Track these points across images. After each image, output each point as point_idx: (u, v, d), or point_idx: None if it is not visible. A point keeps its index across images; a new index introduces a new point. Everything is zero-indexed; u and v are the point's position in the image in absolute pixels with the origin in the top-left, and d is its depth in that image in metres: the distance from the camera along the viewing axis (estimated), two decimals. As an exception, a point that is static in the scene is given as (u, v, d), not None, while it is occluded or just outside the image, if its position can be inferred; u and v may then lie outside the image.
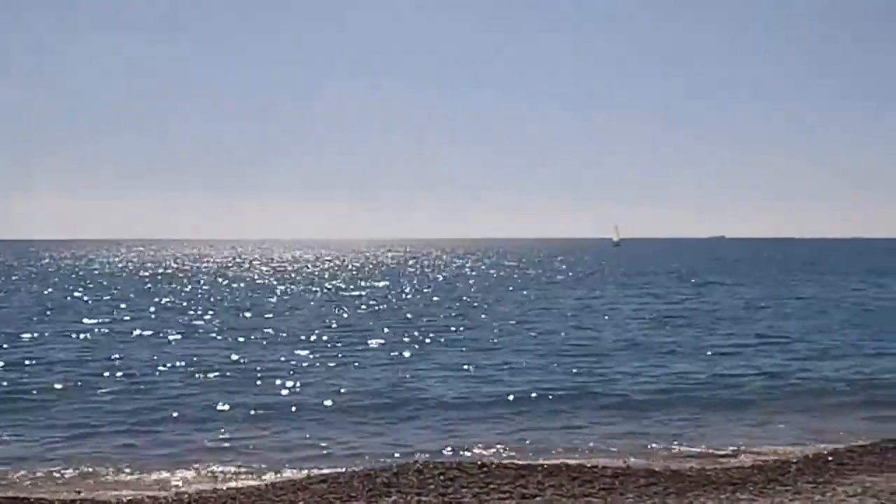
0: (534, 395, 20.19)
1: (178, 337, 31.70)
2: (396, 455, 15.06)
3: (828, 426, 17.12)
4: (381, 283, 68.12)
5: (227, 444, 16.09)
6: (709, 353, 27.08)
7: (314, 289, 62.21)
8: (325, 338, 31.20)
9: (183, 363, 24.87)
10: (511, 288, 62.29)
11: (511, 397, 19.93)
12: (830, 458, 13.71)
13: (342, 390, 20.78)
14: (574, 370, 23.59)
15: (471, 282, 70.83)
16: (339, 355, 26.63)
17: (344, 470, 13.78)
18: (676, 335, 31.92)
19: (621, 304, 46.88)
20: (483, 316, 39.34)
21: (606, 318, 38.96)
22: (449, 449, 15.45)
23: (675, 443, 15.82)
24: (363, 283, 68.05)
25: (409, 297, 52.95)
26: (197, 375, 22.97)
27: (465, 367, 24.30)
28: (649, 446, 15.63)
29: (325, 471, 13.88)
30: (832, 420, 17.65)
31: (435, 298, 51.09)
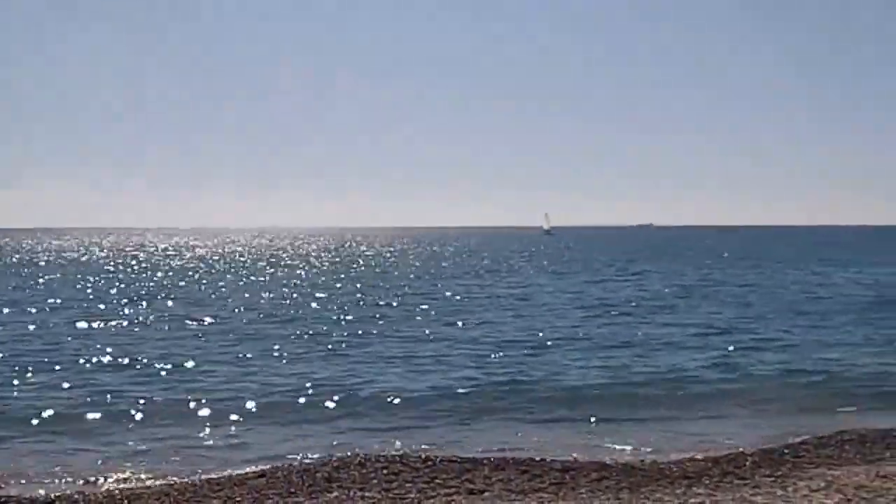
0: (475, 387, 19.62)
1: (111, 327, 30.77)
2: (336, 449, 14.52)
3: (778, 418, 16.83)
4: (318, 273, 67.27)
5: (160, 439, 15.34)
6: (651, 343, 26.76)
7: (252, 277, 61.23)
8: (260, 328, 30.40)
9: (113, 355, 23.97)
10: (445, 277, 61.88)
11: (452, 390, 19.30)
12: (786, 451, 13.33)
13: (278, 383, 20.08)
14: (515, 362, 23.04)
15: (406, 270, 70.25)
16: (275, 346, 25.86)
17: (282, 464, 13.21)
18: (617, 325, 31.62)
19: (559, 293, 46.71)
20: (423, 307, 38.73)
21: (545, 307, 38.66)
22: (396, 443, 14.90)
23: (623, 436, 15.38)
24: (300, 273, 67.12)
25: (343, 286, 52.23)
26: (128, 368, 22.12)
27: (404, 358, 23.66)
28: (596, 439, 15.19)
29: (263, 466, 13.29)
30: (782, 412, 17.34)
31: (370, 288, 50.42)
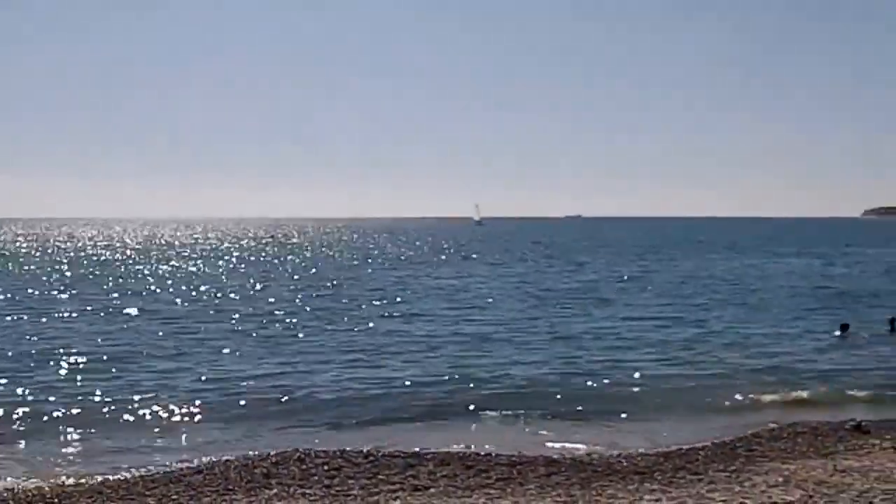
0: (417, 383, 19.13)
1: (42, 320, 29.81)
2: (275, 444, 14.00)
3: (727, 411, 16.66)
4: (251, 264, 66.26)
5: (92, 436, 14.78)
6: (594, 335, 26.52)
7: (183, 268, 60.11)
8: (195, 322, 29.56)
9: (43, 349, 23.14)
10: (381, 268, 61.33)
11: (393, 386, 18.80)
12: (739, 445, 13.07)
13: (214, 378, 19.45)
14: (456, 356, 22.62)
15: (341, 261, 69.41)
16: (212, 340, 25.13)
17: (219, 460, 12.65)
18: (558, 317, 31.34)
19: (496, 285, 46.41)
20: (360, 299, 38.13)
21: (483, 299, 38.31)
22: (337, 438, 14.38)
23: (570, 431, 15.06)
24: (235, 265, 66.07)
25: (278, 279, 51.35)
26: (61, 363, 21.24)
27: (343, 353, 23.06)
28: (542, 434, 14.84)
29: (200, 461, 12.69)
30: (730, 405, 17.14)
31: (305, 280, 49.68)
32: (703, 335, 26.66)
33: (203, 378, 19.53)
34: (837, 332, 26.80)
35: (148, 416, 16.03)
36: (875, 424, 14.50)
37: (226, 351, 23.27)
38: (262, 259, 74.44)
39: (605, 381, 19.48)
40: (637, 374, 20.10)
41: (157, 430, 15.25)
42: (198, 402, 16.98)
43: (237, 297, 38.54)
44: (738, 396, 17.76)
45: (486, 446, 13.52)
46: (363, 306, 34.51)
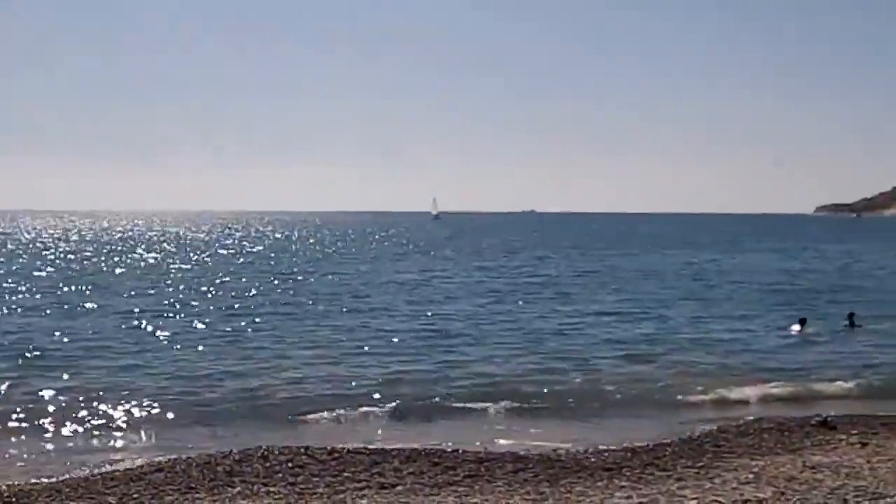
0: (380, 378, 18.95)
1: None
2: (237, 441, 13.74)
3: (693, 406, 16.70)
4: (200, 256, 65.66)
5: (51, 432, 14.50)
6: (557, 330, 26.52)
7: (129, 260, 59.43)
8: (153, 317, 29.01)
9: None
10: (340, 262, 61.03)
11: (355, 381, 18.61)
12: (706, 441, 13.00)
13: (173, 374, 19.18)
14: (419, 351, 22.51)
15: (300, 255, 68.99)
16: (170, 334, 24.78)
17: (181, 457, 12.36)
18: (520, 312, 31.32)
19: (456, 279, 46.31)
20: (320, 293, 37.83)
21: (443, 293, 38.16)
22: (300, 435, 14.24)
23: (537, 426, 15.01)
24: (190, 258, 65.41)
25: (236, 273, 50.88)
26: (15, 359, 20.76)
27: (305, 348, 22.83)
28: (509, 430, 14.75)
29: (161, 459, 12.43)
30: (696, 400, 17.17)
31: (264, 273, 49.28)
32: (665, 330, 26.76)
33: (163, 374, 19.21)
34: (796, 327, 26.96)
35: (107, 414, 15.69)
36: (840, 420, 14.50)
37: (186, 346, 22.88)
38: (223, 252, 73.76)
39: (570, 376, 19.41)
40: (600, 370, 20.08)
41: (116, 427, 14.96)
42: (158, 399, 16.66)
43: (198, 291, 38.04)
44: (701, 392, 17.73)
45: (453, 442, 13.34)
46: (325, 301, 34.17)
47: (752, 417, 15.16)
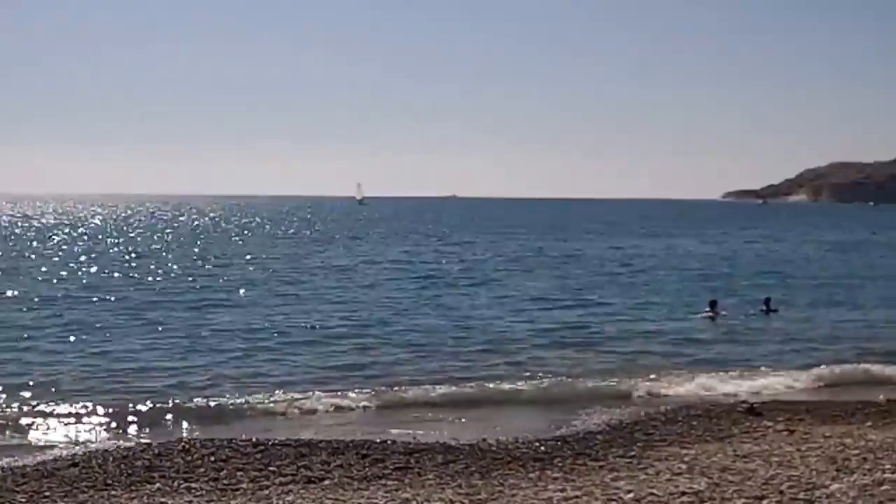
0: (306, 368, 18.63)
1: None
2: (157, 434, 13.30)
3: (618, 394, 16.55)
4: (129, 243, 64.28)
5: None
6: (484, 317, 26.35)
7: (65, 247, 57.89)
8: (71, 303, 28.25)
9: None
10: (263, 246, 60.27)
11: (281, 371, 18.26)
12: (636, 429, 12.90)
13: (88, 365, 18.49)
14: (345, 339, 22.13)
15: (225, 240, 67.81)
16: (87, 324, 23.96)
17: (97, 451, 11.88)
18: (449, 296, 31.25)
19: (386, 264, 45.94)
20: (245, 279, 37.17)
21: (368, 278, 37.78)
22: (224, 427, 13.82)
23: (465, 416, 14.81)
24: (109, 243, 63.98)
25: (157, 258, 49.84)
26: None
27: (228, 334, 22.38)
28: (436, 420, 14.53)
29: (76, 453, 11.90)
30: (621, 387, 16.99)
31: (187, 259, 48.32)
32: (590, 316, 26.74)
33: (79, 364, 18.56)
34: (707, 310, 27.22)
35: (18, 406, 15.05)
36: (766, 406, 14.58)
37: (105, 335, 22.20)
38: (146, 236, 72.32)
39: (497, 363, 19.24)
40: (526, 357, 19.93)
41: (27, 421, 14.32)
42: (73, 390, 16.11)
43: (121, 278, 37.10)
44: (628, 379, 17.65)
45: (381, 434, 13.06)
46: (251, 287, 33.58)
47: (679, 404, 15.16)
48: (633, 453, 11.26)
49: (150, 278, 36.63)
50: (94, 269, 40.41)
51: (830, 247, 66.00)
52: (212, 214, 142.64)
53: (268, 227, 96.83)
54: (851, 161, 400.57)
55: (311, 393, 16.11)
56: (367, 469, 10.87)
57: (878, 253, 59.32)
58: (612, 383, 17.24)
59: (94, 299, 29.13)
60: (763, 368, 19.03)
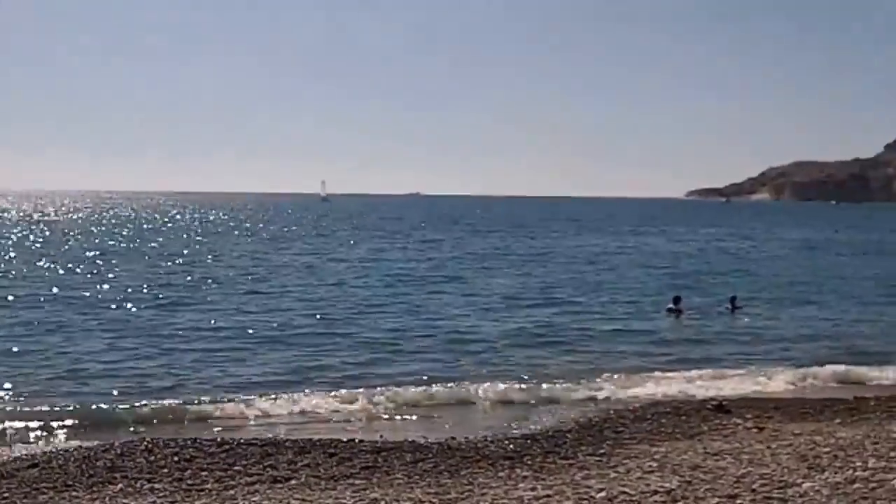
0: (271, 367, 18.41)
1: None
2: (119, 433, 13.04)
3: (591, 390, 16.55)
4: (93, 239, 63.57)
5: None
6: (451, 315, 26.22)
7: (26, 245, 57.12)
8: (31, 303, 27.77)
9: None
10: (228, 244, 59.82)
11: (245, 370, 18.01)
12: (605, 427, 12.81)
13: (48, 364, 18.18)
14: (310, 337, 21.97)
15: (184, 238, 67.29)
16: (45, 322, 23.64)
17: (57, 451, 11.62)
18: (416, 294, 31.15)
19: (352, 261, 45.69)
20: (213, 287, 36.75)
21: (345, 278, 37.42)
22: (187, 426, 13.61)
23: (433, 414, 14.72)
24: (67, 240, 63.24)
25: (121, 255, 49.29)
26: None
27: (192, 338, 21.88)
28: (403, 418, 14.43)
29: (36, 453, 11.61)
30: (588, 384, 16.94)
31: (150, 257, 47.82)
32: (557, 315, 26.69)
33: (38, 363, 18.24)
34: (671, 306, 27.30)
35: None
36: (734, 403, 14.53)
37: (67, 335, 21.79)
38: (106, 234, 71.57)
39: (464, 363, 19.11)
40: (493, 357, 19.82)
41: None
42: (33, 391, 15.81)
43: (82, 275, 36.61)
44: (595, 378, 17.58)
45: (348, 432, 12.89)
46: (215, 286, 33.18)
47: (647, 401, 15.12)
48: (602, 451, 11.15)
49: (110, 275, 36.13)
50: (52, 266, 39.83)
51: (795, 245, 66.55)
52: (174, 211, 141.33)
53: (231, 224, 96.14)
54: (813, 160, 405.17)
55: (275, 394, 15.81)
56: (334, 468, 10.69)
57: (841, 251, 59.94)
58: (579, 383, 17.13)
59: (53, 298, 28.67)
60: (730, 366, 19.07)
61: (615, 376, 17.64)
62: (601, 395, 16.24)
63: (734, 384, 17.36)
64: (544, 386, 16.74)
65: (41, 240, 62.86)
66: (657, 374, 18.05)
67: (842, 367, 18.91)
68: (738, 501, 8.55)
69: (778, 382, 17.82)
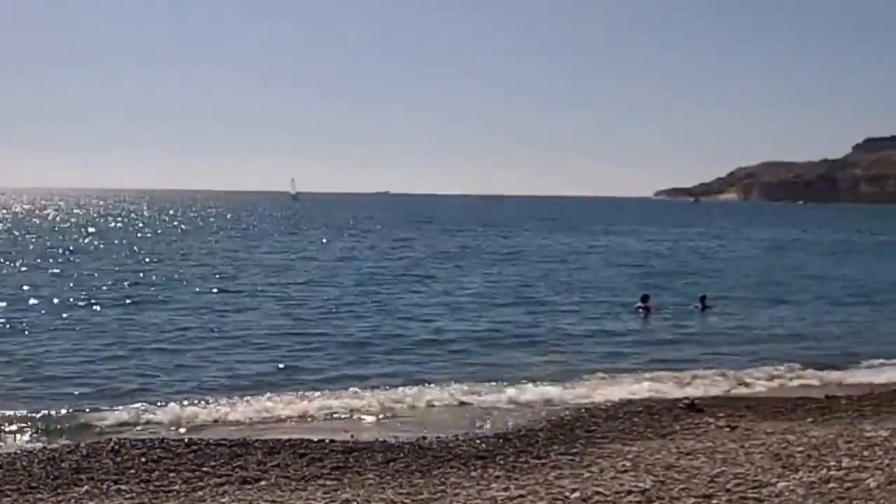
0: (239, 363, 18.25)
1: None
2: (85, 434, 12.82)
3: (564, 388, 16.44)
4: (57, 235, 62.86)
5: None
6: (422, 314, 26.04)
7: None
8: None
9: None
10: (200, 241, 59.37)
11: (215, 370, 17.77)
12: (577, 426, 12.74)
13: (13, 362, 17.95)
14: (282, 337, 21.72)
15: (153, 235, 66.62)
16: (13, 320, 23.28)
17: (21, 452, 11.37)
18: (387, 293, 30.99)
19: (322, 260, 45.42)
20: (184, 286, 36.31)
21: (317, 277, 37.17)
22: (155, 426, 13.38)
23: (404, 414, 14.56)
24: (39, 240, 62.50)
25: (97, 250, 48.76)
26: None
27: (161, 339, 21.47)
28: (374, 418, 14.23)
29: (-1, 454, 11.43)
30: (560, 382, 16.81)
31: (118, 255, 47.31)
32: (528, 315, 26.58)
33: (1, 365, 17.88)
34: (639, 304, 27.33)
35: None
36: (706, 402, 14.51)
37: (32, 336, 21.36)
38: (76, 231, 70.84)
39: (435, 363, 18.96)
40: (464, 357, 19.70)
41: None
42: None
43: (53, 274, 36.13)
44: (567, 375, 17.52)
45: (319, 432, 12.72)
46: (183, 285, 32.78)
47: (619, 400, 15.06)
48: (575, 450, 11.07)
49: (76, 274, 35.69)
50: (15, 265, 39.34)
51: (764, 245, 66.93)
52: (144, 208, 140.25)
53: (201, 223, 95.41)
54: (782, 161, 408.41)
55: (244, 395, 15.54)
56: (304, 469, 10.56)
57: (809, 251, 60.30)
58: (551, 382, 17.00)
59: (18, 298, 28.27)
60: (701, 365, 19.02)
61: (586, 376, 17.53)
62: (573, 394, 16.11)
63: (706, 383, 17.31)
64: (516, 386, 16.59)
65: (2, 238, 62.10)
66: (628, 373, 17.97)
67: (812, 367, 18.95)
68: (714, 501, 8.49)
69: (748, 381, 17.80)
